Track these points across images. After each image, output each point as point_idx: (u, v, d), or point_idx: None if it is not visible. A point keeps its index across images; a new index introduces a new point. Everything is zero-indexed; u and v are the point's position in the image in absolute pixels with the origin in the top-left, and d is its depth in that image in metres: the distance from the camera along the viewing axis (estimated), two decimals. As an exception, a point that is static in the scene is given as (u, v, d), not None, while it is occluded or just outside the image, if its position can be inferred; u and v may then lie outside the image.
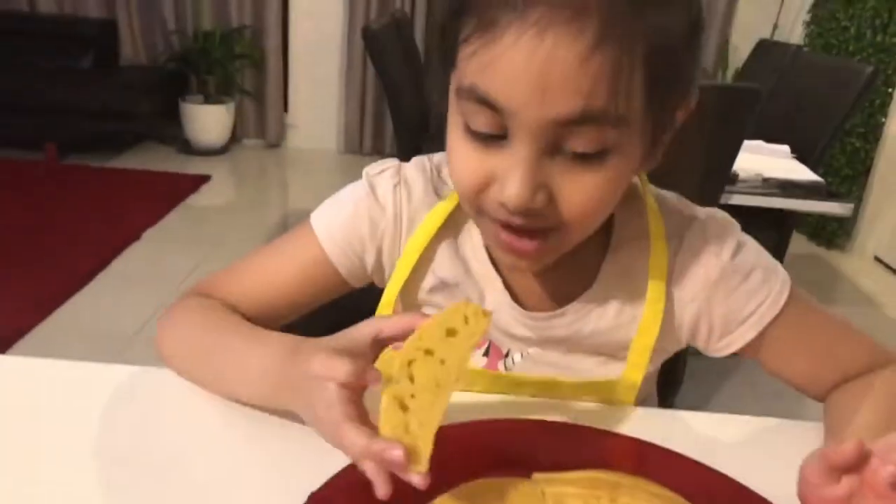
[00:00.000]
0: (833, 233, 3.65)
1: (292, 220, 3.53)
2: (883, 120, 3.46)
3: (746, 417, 0.72)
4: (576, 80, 0.50)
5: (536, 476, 0.51)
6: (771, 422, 0.72)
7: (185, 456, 0.60)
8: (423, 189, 0.73)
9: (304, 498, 0.51)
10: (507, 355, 0.74)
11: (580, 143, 0.53)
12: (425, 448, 0.48)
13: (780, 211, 2.39)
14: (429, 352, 0.52)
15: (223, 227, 3.34)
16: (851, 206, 1.99)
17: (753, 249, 0.70)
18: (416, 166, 0.75)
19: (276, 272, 0.74)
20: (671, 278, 0.69)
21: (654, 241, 0.69)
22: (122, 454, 0.60)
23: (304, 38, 4.47)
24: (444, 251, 0.73)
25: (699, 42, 0.58)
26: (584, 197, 0.56)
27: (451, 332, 0.52)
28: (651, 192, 0.71)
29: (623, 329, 0.70)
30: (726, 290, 0.68)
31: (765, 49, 3.41)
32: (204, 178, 3.89)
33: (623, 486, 0.49)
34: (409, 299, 0.74)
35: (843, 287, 3.33)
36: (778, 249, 2.56)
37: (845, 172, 3.56)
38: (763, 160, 2.15)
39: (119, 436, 0.62)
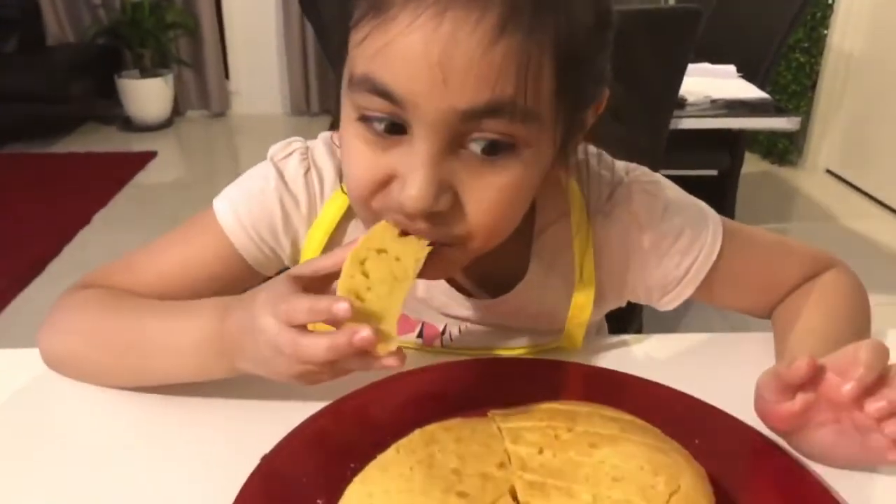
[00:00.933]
0: (785, 149, 3.69)
1: (246, 189, 3.46)
2: (825, 32, 3.48)
3: (694, 334, 0.73)
4: (480, 68, 0.45)
5: (492, 413, 0.50)
6: (722, 336, 0.73)
7: (129, 435, 0.58)
8: (333, 176, 0.67)
9: (257, 461, 0.49)
10: (443, 332, 0.71)
11: (486, 138, 0.49)
12: (391, 327, 0.47)
13: (731, 131, 2.40)
14: (381, 251, 0.49)
15: (175, 203, 3.26)
16: (798, 119, 2.00)
17: (681, 206, 0.67)
18: (325, 148, 0.68)
19: (180, 265, 0.68)
20: (600, 254, 0.67)
21: (577, 221, 0.66)
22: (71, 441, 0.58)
23: (237, 1, 4.33)
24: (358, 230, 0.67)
25: (609, 37, 0.53)
26: (491, 200, 0.51)
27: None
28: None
29: (564, 309, 0.68)
30: (658, 255, 0.66)
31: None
32: (150, 155, 3.78)
33: (580, 413, 0.48)
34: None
35: (798, 202, 3.38)
36: (732, 170, 2.58)
37: (792, 88, 3.58)
38: (710, 82, 2.14)
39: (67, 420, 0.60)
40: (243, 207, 0.66)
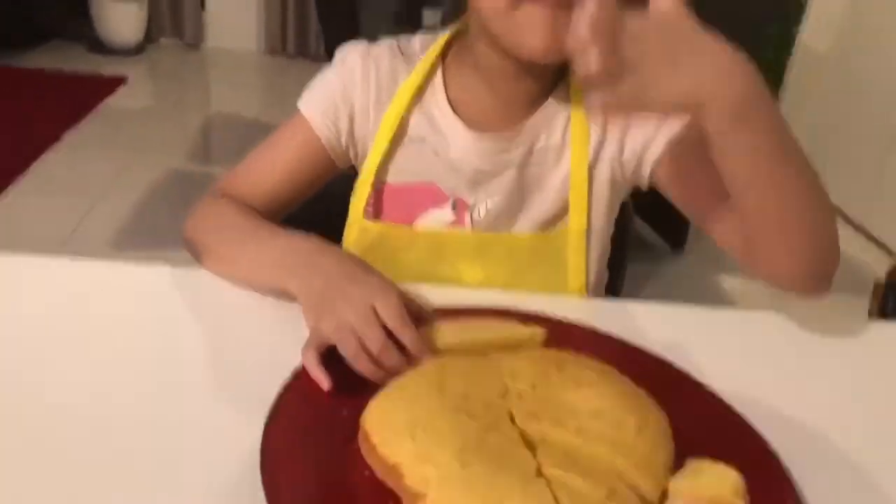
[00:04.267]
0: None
1: (215, 123, 3.45)
2: (795, 30, 3.59)
3: (683, 307, 0.80)
4: None
5: (492, 355, 0.58)
6: (710, 312, 0.81)
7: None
8: (389, 58, 0.82)
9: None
10: (472, 208, 0.83)
11: None
12: None
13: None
14: None
15: (144, 131, 3.23)
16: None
17: None
18: (382, 45, 0.84)
19: (275, 160, 0.84)
20: (590, 112, 0.78)
21: (572, 83, 0.79)
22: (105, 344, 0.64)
23: (220, -71, 4.24)
24: (414, 113, 0.82)
25: None
26: None
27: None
28: None
29: (567, 154, 0.80)
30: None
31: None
32: (120, 80, 3.71)
33: (567, 360, 0.57)
34: (384, 162, 0.83)
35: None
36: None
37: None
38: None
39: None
40: (315, 92, 0.83)
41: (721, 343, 0.74)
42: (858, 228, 3.09)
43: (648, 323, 0.74)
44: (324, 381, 0.56)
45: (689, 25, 0.56)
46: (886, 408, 0.68)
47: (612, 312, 0.79)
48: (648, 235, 2.60)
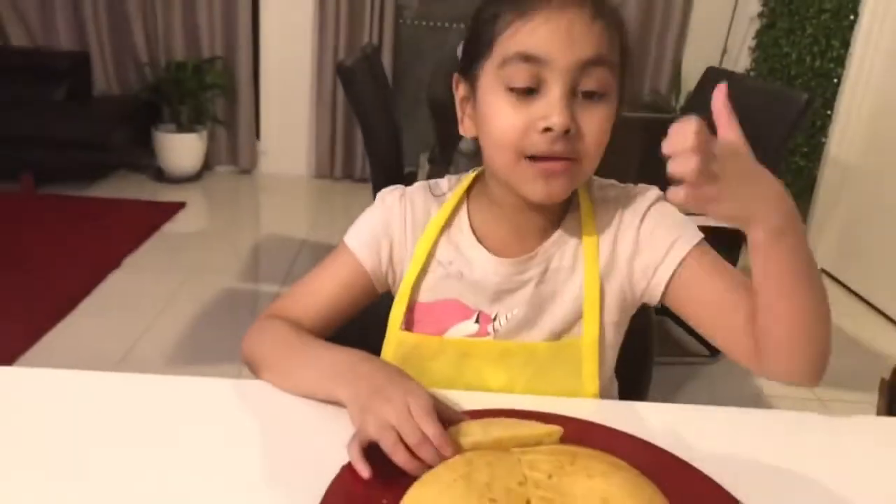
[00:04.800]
0: (782, 247, 3.87)
1: (266, 245, 3.64)
2: (824, 140, 3.70)
3: (694, 406, 0.86)
4: (589, 35, 0.79)
5: (514, 449, 0.66)
6: (727, 411, 0.86)
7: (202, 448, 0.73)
8: (422, 197, 0.96)
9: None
10: (494, 319, 0.92)
11: (592, 83, 0.80)
12: None
13: (730, 231, 2.58)
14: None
15: (200, 253, 3.44)
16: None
17: (671, 205, 0.89)
18: (416, 185, 0.98)
19: (322, 285, 0.95)
20: (603, 234, 0.90)
21: (584, 210, 0.91)
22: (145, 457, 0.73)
23: (274, 67, 4.60)
24: (442, 241, 0.94)
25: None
26: (596, 128, 0.81)
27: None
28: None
29: (579, 273, 0.90)
30: (651, 226, 0.89)
31: (712, 76, 3.63)
32: (179, 205, 3.99)
33: (580, 454, 0.64)
34: (417, 284, 0.94)
35: (792, 297, 3.53)
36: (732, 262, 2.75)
37: (791, 191, 3.73)
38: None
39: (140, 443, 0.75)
40: (359, 227, 0.96)
41: (724, 439, 0.80)
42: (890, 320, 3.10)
43: (658, 422, 0.81)
44: (364, 470, 0.64)
45: (748, 156, 0.70)
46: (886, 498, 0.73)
47: (621, 412, 0.86)
48: (689, 342, 2.65)
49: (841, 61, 3.58)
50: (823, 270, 3.77)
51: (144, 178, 4.43)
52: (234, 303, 2.90)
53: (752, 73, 4.19)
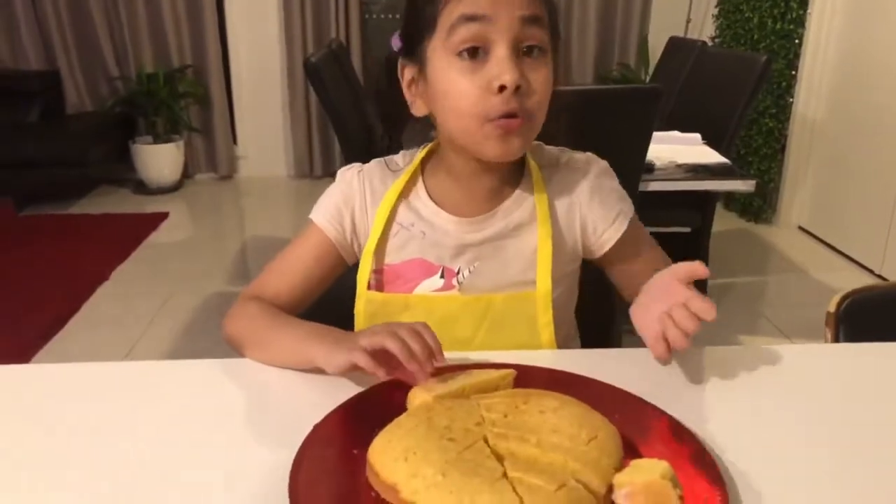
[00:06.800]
0: (759, 208, 3.94)
1: (251, 248, 3.69)
2: (791, 100, 3.77)
3: (640, 350, 0.89)
4: None
5: (473, 396, 0.71)
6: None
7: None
8: (379, 172, 1.02)
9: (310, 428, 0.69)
10: (458, 272, 0.99)
11: (533, 38, 0.85)
12: None
13: (701, 192, 2.64)
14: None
15: (186, 261, 3.48)
16: (754, 182, 2.23)
17: (614, 175, 1.02)
18: (373, 161, 1.05)
19: (294, 262, 1.01)
20: (553, 196, 0.98)
21: (535, 178, 0.98)
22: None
23: (245, 71, 4.64)
24: (402, 208, 1.00)
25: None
26: (542, 84, 0.87)
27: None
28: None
29: (535, 228, 0.97)
30: (600, 196, 0.99)
31: (675, 46, 3.69)
32: (162, 216, 4.02)
33: (532, 394, 0.69)
34: (382, 247, 1.00)
35: (773, 257, 3.61)
36: (703, 226, 2.81)
37: (763, 151, 3.85)
38: (676, 149, 2.40)
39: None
40: (322, 203, 1.02)
41: (678, 376, 0.85)
42: (865, 268, 3.18)
43: (613, 365, 0.86)
44: (380, 372, 0.75)
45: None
46: (820, 416, 0.78)
47: (576, 359, 0.90)
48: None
49: (801, 22, 3.64)
50: (800, 227, 3.85)
51: (125, 192, 4.46)
52: (225, 306, 2.86)
53: (717, 41, 4.25)
